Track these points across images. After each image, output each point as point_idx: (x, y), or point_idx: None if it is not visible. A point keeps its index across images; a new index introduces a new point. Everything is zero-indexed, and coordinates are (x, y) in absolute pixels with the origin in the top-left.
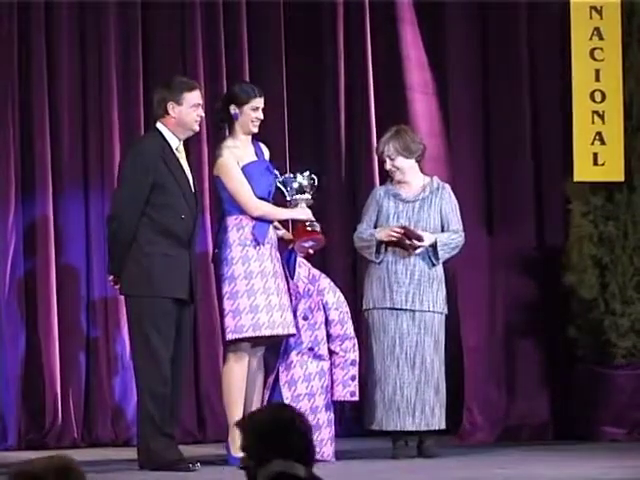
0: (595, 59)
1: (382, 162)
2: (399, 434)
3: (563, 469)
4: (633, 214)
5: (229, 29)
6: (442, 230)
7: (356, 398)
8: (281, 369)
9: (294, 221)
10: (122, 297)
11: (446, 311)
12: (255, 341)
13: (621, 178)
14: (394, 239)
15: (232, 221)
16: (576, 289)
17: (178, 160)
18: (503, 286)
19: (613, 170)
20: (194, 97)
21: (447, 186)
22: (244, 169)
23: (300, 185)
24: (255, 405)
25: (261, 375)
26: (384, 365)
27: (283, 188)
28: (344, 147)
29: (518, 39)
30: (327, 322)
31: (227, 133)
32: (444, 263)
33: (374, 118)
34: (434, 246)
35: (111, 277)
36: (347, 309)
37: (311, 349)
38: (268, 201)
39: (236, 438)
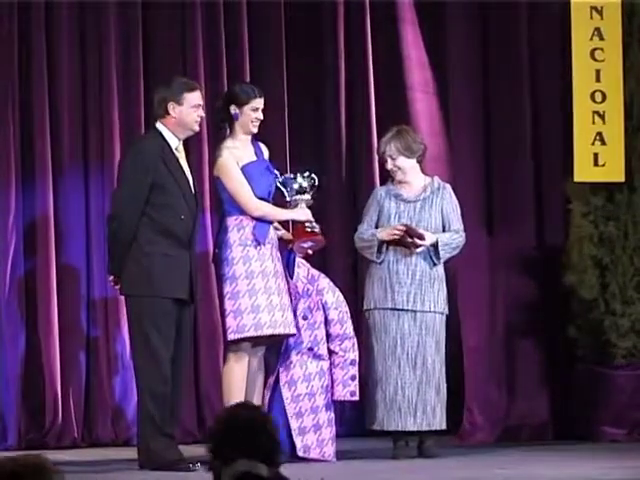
0: (595, 59)
1: (383, 162)
2: (400, 434)
3: (563, 469)
4: (633, 214)
5: (230, 29)
6: (443, 230)
7: (356, 398)
8: (281, 369)
9: (294, 221)
10: (122, 297)
11: (447, 311)
12: (256, 341)
13: (621, 178)
14: (396, 237)
15: (232, 221)
16: (576, 289)
17: (178, 160)
18: (503, 286)
19: (613, 170)
20: (195, 97)
21: (448, 186)
22: (244, 169)
23: (300, 185)
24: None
25: (261, 375)
26: (385, 365)
27: (283, 188)
28: (344, 147)
29: (518, 39)
30: (326, 322)
31: (227, 133)
32: (444, 263)
33: (374, 118)
34: (435, 246)
35: (111, 277)
36: (346, 309)
37: (310, 349)
38: (268, 201)
39: None
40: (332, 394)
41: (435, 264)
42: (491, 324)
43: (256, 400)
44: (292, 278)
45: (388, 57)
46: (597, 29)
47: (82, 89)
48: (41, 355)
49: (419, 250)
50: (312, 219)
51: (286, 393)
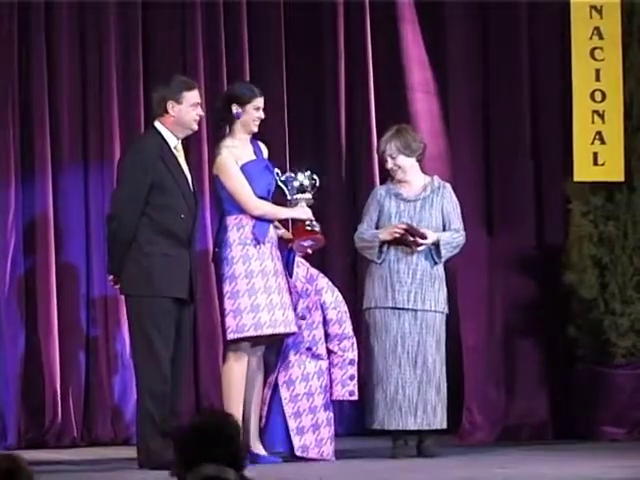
0: (595, 59)
1: (383, 162)
2: (400, 433)
3: (563, 469)
4: (633, 214)
5: (229, 29)
6: (443, 229)
7: (355, 397)
8: (280, 369)
9: (294, 220)
10: (122, 296)
11: (447, 310)
12: (256, 340)
13: (621, 178)
14: (397, 236)
15: (232, 220)
16: (576, 289)
17: (177, 159)
18: (503, 286)
19: (613, 170)
20: (193, 96)
21: (448, 185)
22: (243, 168)
23: (301, 184)
24: (255, 404)
25: (261, 375)
26: (386, 364)
27: (284, 187)
28: (344, 147)
29: (518, 39)
30: (325, 321)
31: (227, 132)
32: (444, 262)
33: (374, 117)
34: (436, 245)
35: (111, 277)
36: (345, 308)
37: (309, 349)
38: (268, 200)
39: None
40: (331, 394)
41: (436, 263)
42: (491, 324)
43: (255, 399)
44: (291, 277)
45: (388, 57)
46: (597, 28)
47: (82, 89)
48: (41, 354)
49: (420, 249)
50: (312, 218)
51: (284, 393)
